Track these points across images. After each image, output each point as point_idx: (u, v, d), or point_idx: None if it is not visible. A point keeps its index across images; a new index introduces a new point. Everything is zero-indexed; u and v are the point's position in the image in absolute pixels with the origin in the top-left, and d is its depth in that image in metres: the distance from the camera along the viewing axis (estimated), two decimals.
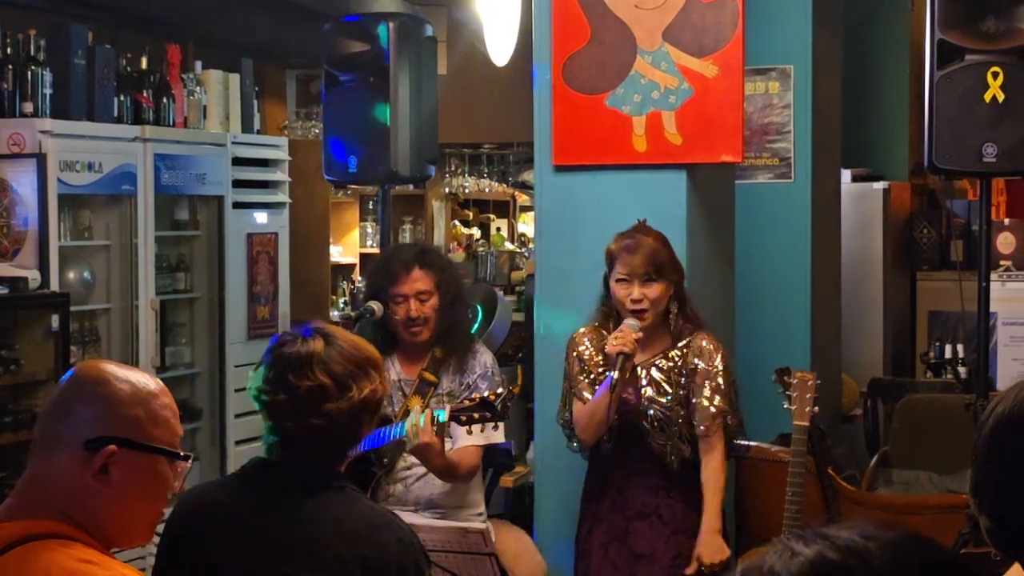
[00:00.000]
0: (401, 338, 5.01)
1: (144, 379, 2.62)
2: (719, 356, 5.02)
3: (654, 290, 4.97)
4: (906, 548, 1.54)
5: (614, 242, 5.03)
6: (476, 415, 4.51)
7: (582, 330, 5.13)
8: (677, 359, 5.02)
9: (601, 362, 5.03)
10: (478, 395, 4.61)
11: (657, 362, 5.03)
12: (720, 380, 5.00)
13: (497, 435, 4.80)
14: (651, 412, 4.99)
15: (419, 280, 4.97)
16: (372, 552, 3.08)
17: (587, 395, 5.02)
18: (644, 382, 5.01)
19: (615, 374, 4.84)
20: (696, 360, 5.00)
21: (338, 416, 3.16)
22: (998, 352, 8.59)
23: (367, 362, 3.26)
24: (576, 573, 5.16)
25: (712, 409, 4.97)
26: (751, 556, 5.63)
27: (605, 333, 5.03)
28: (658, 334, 5.04)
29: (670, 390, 5.00)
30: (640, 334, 4.92)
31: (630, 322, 4.95)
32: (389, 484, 4.94)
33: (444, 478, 4.84)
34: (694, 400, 4.99)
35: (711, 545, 4.95)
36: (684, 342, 5.03)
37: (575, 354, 5.10)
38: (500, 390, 4.62)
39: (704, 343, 5.02)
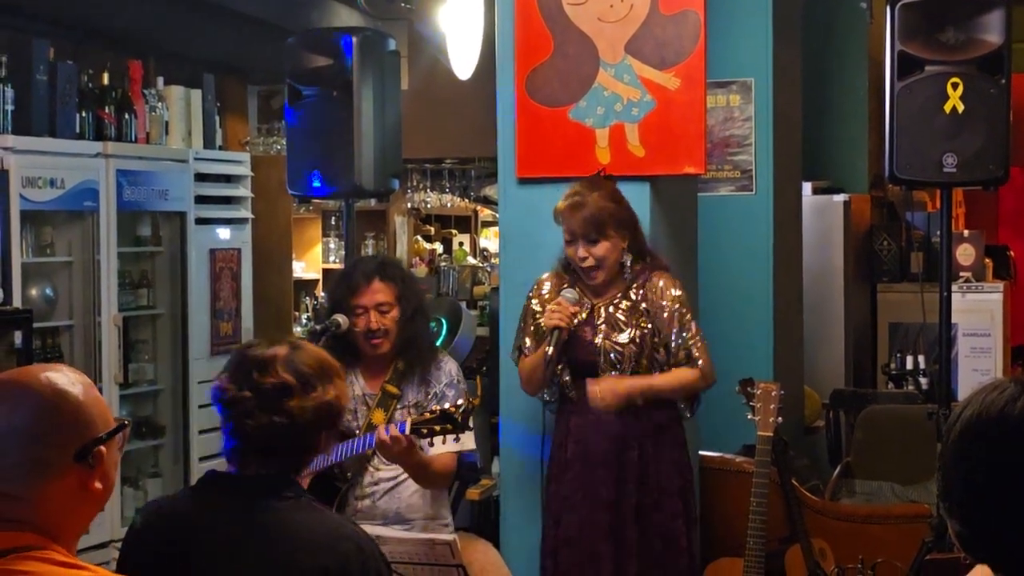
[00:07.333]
0: (363, 351, 5.01)
1: (68, 375, 2.56)
2: (673, 289, 5.06)
3: (600, 248, 5.03)
4: None
5: (561, 199, 5.10)
6: (437, 427, 4.51)
7: (545, 275, 5.22)
8: (633, 298, 5.07)
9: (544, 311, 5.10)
10: (438, 407, 4.61)
11: (613, 302, 5.08)
12: (678, 314, 5.04)
13: (467, 442, 4.81)
14: (605, 350, 5.03)
15: (379, 292, 4.98)
16: (333, 562, 3.06)
17: (528, 343, 5.14)
18: (600, 321, 5.06)
19: (550, 350, 4.91)
20: (652, 298, 5.05)
21: (300, 415, 3.15)
22: (959, 363, 8.65)
23: (332, 369, 3.28)
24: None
25: (682, 342, 5.03)
26: (718, 564, 5.64)
27: (565, 277, 5.14)
28: (615, 280, 5.10)
29: (625, 328, 5.04)
30: (577, 307, 5.00)
31: (567, 294, 5.02)
32: (356, 500, 4.94)
33: (420, 479, 4.85)
34: (656, 339, 5.04)
35: (606, 382, 5.00)
36: (639, 282, 5.08)
37: (534, 300, 5.19)
38: (460, 402, 4.61)
39: (658, 280, 5.07)
